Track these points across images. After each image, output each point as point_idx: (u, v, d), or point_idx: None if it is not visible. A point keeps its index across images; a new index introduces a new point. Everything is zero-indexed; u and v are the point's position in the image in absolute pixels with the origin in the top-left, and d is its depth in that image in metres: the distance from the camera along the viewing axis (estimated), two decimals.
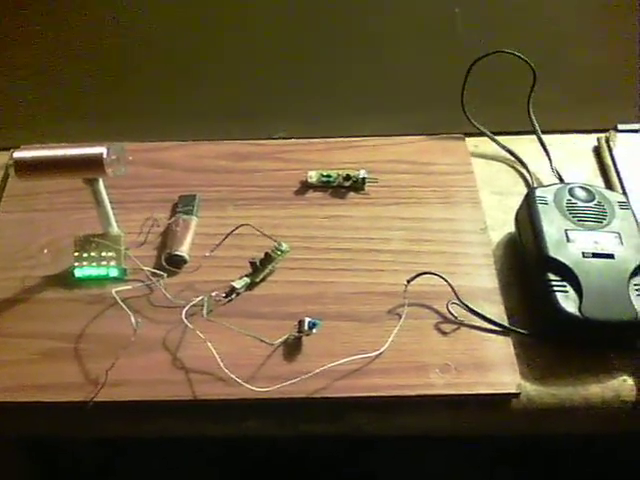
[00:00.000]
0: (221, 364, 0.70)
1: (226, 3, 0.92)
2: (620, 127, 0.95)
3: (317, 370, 0.71)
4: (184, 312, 0.74)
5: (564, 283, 0.74)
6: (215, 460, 0.96)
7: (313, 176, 0.90)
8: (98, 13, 0.90)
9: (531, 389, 0.72)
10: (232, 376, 0.70)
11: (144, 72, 0.96)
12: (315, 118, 0.98)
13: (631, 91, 0.96)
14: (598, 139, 0.97)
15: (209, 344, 0.71)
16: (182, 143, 0.96)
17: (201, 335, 0.72)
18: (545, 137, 0.94)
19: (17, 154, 0.72)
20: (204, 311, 0.74)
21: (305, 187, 0.90)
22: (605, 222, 0.79)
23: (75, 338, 0.76)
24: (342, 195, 0.89)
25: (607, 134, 0.96)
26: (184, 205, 0.86)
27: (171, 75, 0.96)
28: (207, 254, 0.81)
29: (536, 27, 0.94)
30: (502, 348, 0.74)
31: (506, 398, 0.72)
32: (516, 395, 0.71)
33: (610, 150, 0.94)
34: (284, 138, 0.97)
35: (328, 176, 0.90)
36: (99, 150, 0.73)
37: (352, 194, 0.90)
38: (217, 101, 0.97)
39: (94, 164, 0.73)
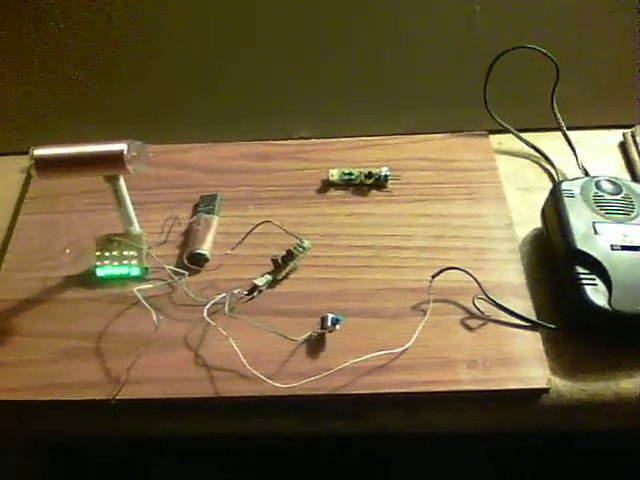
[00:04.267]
0: (244, 361, 0.69)
1: (244, 3, 0.91)
2: None
3: (341, 367, 0.69)
4: (206, 309, 0.73)
5: (593, 276, 0.72)
6: (231, 462, 0.94)
7: (334, 174, 0.89)
8: (116, 13, 0.90)
9: (560, 385, 0.71)
10: (255, 373, 0.69)
11: (162, 74, 0.96)
12: (335, 118, 0.97)
13: None
14: (624, 134, 0.95)
15: (231, 341, 0.70)
16: (202, 144, 0.95)
17: (223, 332, 0.71)
18: (569, 133, 0.92)
19: (37, 151, 0.72)
20: (226, 308, 0.73)
21: (326, 185, 0.89)
22: (633, 214, 0.77)
23: (96, 337, 0.75)
24: (364, 193, 0.88)
25: (633, 129, 0.94)
26: (205, 204, 0.86)
27: (190, 76, 0.95)
28: (229, 252, 0.80)
29: (558, 21, 0.92)
30: (530, 343, 0.72)
31: (535, 394, 0.70)
32: (546, 390, 0.69)
33: (636, 145, 0.91)
34: (304, 138, 0.95)
35: (350, 174, 0.89)
36: (120, 147, 0.72)
37: (374, 192, 0.88)
38: (236, 102, 0.96)
39: (115, 161, 0.72)
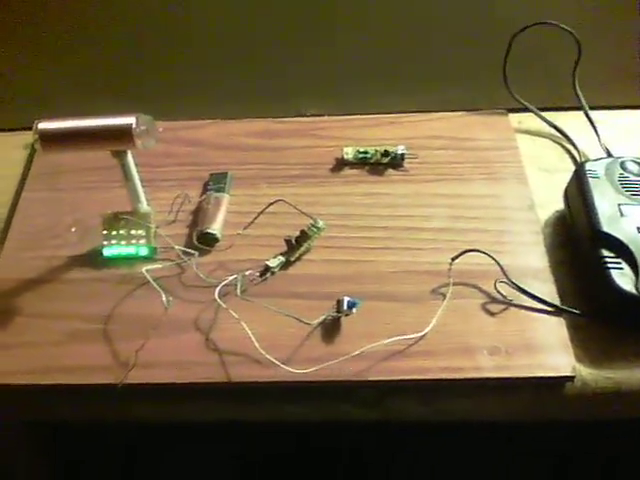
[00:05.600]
0: (257, 345, 0.66)
1: None
2: None
3: (357, 352, 0.67)
4: (217, 291, 0.70)
5: (619, 260, 0.70)
6: (241, 450, 0.92)
7: (349, 152, 0.86)
8: None
9: (585, 372, 0.68)
10: (269, 357, 0.66)
11: (173, 51, 0.93)
12: (349, 95, 0.94)
13: None
14: None
15: (243, 324, 0.67)
16: (212, 121, 0.92)
17: (235, 315, 0.68)
18: (591, 113, 0.89)
19: (42, 125, 0.69)
20: (238, 290, 0.70)
21: (341, 164, 0.86)
22: None
23: (103, 319, 0.72)
24: (380, 172, 0.85)
25: None
26: (215, 183, 0.83)
27: (199, 53, 0.92)
28: (240, 232, 0.77)
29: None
30: (555, 329, 0.70)
31: (560, 382, 0.67)
32: (571, 378, 0.67)
33: None
34: (316, 115, 0.92)
35: (365, 152, 0.86)
36: (128, 120, 0.69)
37: (390, 171, 0.86)
38: (247, 79, 0.93)
39: (123, 135, 0.70)
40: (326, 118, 0.92)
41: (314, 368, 0.66)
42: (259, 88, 0.93)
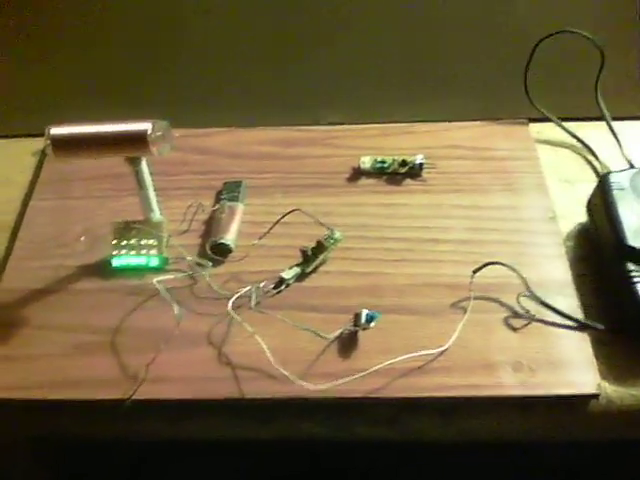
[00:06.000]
0: (271, 359, 0.64)
1: None
2: None
3: (375, 367, 0.64)
4: (230, 303, 0.68)
5: None
6: (247, 467, 0.90)
7: (366, 162, 0.84)
8: None
9: (610, 390, 0.66)
10: (284, 373, 0.64)
11: (186, 57, 0.91)
12: (366, 104, 0.92)
13: None
14: None
15: (258, 338, 0.65)
16: (226, 129, 0.90)
17: (249, 328, 0.66)
18: (614, 123, 0.86)
19: (54, 130, 0.67)
20: (252, 302, 0.68)
21: (358, 174, 0.84)
22: None
23: (112, 331, 0.70)
24: (398, 182, 0.83)
25: None
26: (229, 192, 0.81)
27: (215, 60, 0.91)
28: (255, 242, 0.75)
29: (603, 5, 0.87)
30: (579, 345, 0.68)
31: (585, 400, 0.65)
32: (596, 396, 0.64)
33: None
34: (333, 124, 0.90)
35: (382, 162, 0.84)
36: (144, 126, 0.67)
37: (408, 181, 0.84)
38: (263, 86, 0.92)
39: (138, 141, 0.68)
40: (343, 127, 0.90)
41: (330, 384, 0.63)
42: (275, 96, 0.92)
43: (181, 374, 0.67)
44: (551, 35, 0.84)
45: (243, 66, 0.91)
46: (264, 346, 0.65)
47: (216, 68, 0.91)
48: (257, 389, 0.65)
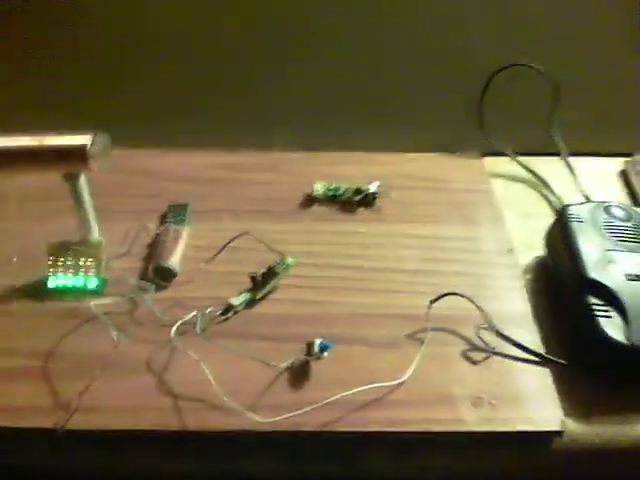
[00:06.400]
0: (217, 390, 0.59)
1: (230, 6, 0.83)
2: None
3: (328, 400, 0.60)
4: (174, 329, 0.63)
5: (607, 308, 0.65)
6: None
7: (319, 189, 0.81)
8: (94, 13, 0.81)
9: (573, 427, 0.63)
10: (230, 404, 0.59)
11: (135, 74, 0.87)
12: (321, 131, 0.89)
13: None
14: (626, 162, 0.90)
15: (203, 366, 0.60)
16: (174, 151, 0.86)
17: (194, 356, 0.61)
18: (569, 158, 0.86)
19: None
20: (197, 328, 0.63)
21: (310, 201, 0.82)
22: None
23: (45, 356, 0.65)
24: (351, 210, 0.81)
25: (636, 157, 0.89)
26: (175, 215, 0.78)
27: (165, 77, 0.87)
28: (201, 266, 0.71)
29: (559, 40, 0.87)
30: (541, 380, 0.65)
31: (547, 437, 0.62)
32: (559, 433, 0.61)
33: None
34: (287, 150, 0.87)
35: (336, 189, 0.81)
36: (82, 140, 0.63)
37: (362, 210, 0.81)
38: (215, 108, 0.89)
39: (76, 156, 0.64)
40: (295, 153, 0.87)
41: (280, 417, 0.59)
42: (228, 118, 0.88)
43: (117, 403, 0.61)
44: (505, 68, 0.84)
45: (195, 86, 0.87)
46: (209, 375, 0.60)
47: (167, 87, 0.87)
48: (201, 421, 0.60)
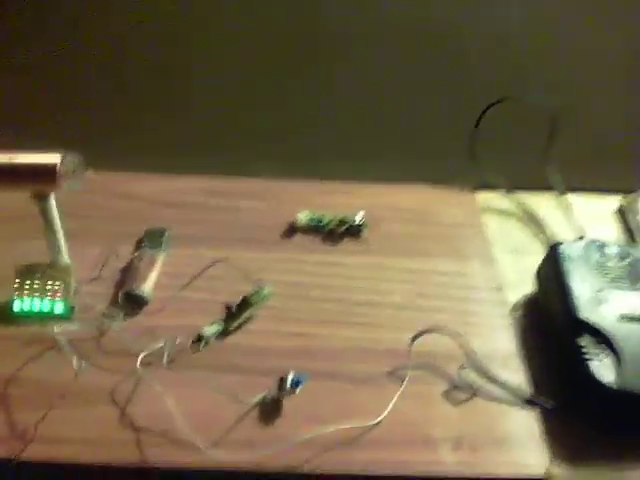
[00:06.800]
0: (180, 424, 0.56)
1: (209, 32, 0.81)
2: None
3: (299, 439, 0.57)
4: (140, 359, 0.59)
5: (598, 350, 0.63)
6: None
7: (303, 218, 0.78)
8: (63, 33, 0.79)
9: (560, 473, 0.59)
10: (193, 440, 0.56)
11: (113, 96, 0.84)
12: (307, 160, 0.86)
13: None
14: (623, 199, 0.87)
15: (168, 399, 0.57)
16: (155, 175, 0.84)
17: (159, 388, 0.57)
18: (564, 196, 0.83)
19: None
20: (164, 359, 0.60)
21: (293, 230, 0.79)
22: None
23: (4, 382, 0.62)
24: (336, 241, 0.78)
25: (634, 194, 0.86)
26: (150, 240, 0.75)
27: (151, 99, 0.84)
28: (175, 294, 0.67)
29: (558, 73, 0.84)
30: (526, 423, 0.62)
31: None
32: None
33: (638, 212, 0.84)
34: (271, 178, 0.84)
35: (320, 219, 0.78)
36: (53, 158, 0.60)
37: (347, 241, 0.79)
38: (199, 134, 0.86)
39: (46, 175, 0.61)
40: (281, 181, 0.84)
41: (247, 456, 0.56)
42: (213, 143, 0.85)
43: (76, 435, 0.58)
44: (501, 100, 0.80)
45: (178, 110, 0.85)
46: (174, 409, 0.57)
47: (149, 106, 0.85)
48: (162, 456, 0.57)
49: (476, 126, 0.83)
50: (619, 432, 0.62)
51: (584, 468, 0.60)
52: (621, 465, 0.61)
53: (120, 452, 0.57)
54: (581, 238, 0.77)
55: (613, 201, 0.88)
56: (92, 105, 0.84)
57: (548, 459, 0.60)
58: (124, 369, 0.62)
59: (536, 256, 0.74)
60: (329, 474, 0.57)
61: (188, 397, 0.60)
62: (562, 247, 0.72)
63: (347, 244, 0.78)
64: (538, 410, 0.63)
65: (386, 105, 0.85)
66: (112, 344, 0.65)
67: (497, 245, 0.81)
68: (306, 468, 0.57)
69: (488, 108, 0.82)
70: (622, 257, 0.71)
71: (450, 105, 0.85)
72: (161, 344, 0.63)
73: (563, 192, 0.84)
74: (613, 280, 0.69)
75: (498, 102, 0.81)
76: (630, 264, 0.71)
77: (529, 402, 0.63)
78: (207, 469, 0.56)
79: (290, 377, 0.61)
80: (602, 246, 0.72)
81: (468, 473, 0.58)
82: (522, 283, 0.75)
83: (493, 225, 0.84)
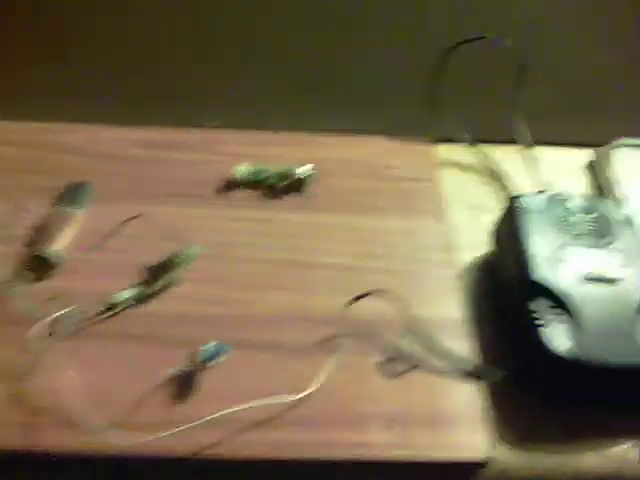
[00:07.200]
0: (77, 403, 0.50)
1: None
2: (624, 142, 0.80)
3: (210, 417, 0.52)
4: (35, 328, 0.54)
5: (554, 315, 0.58)
6: None
7: (241, 171, 0.72)
8: None
9: (506, 455, 0.55)
10: (90, 420, 0.50)
11: (49, 39, 0.76)
12: (255, 111, 0.79)
13: (635, 101, 0.80)
14: (595, 153, 0.81)
15: (65, 373, 0.51)
16: (85, 125, 0.77)
17: (56, 361, 0.51)
18: (530, 148, 0.78)
19: None
20: (67, 328, 0.54)
21: (230, 185, 0.73)
22: (607, 240, 0.63)
23: None
24: (277, 196, 0.72)
25: (605, 148, 0.80)
26: (69, 195, 0.69)
27: (85, 45, 0.76)
28: (88, 255, 0.61)
29: (530, 15, 0.76)
30: (469, 398, 0.57)
31: (472, 468, 0.54)
32: (483, 465, 0.53)
33: (608, 166, 0.78)
34: (217, 128, 0.78)
35: (259, 172, 0.71)
36: None
37: (289, 197, 0.73)
38: (139, 84, 0.78)
39: None
40: (222, 131, 0.78)
41: (149, 437, 0.50)
42: (151, 93, 0.78)
43: None
44: (466, 41, 0.74)
45: (117, 58, 0.77)
46: (71, 385, 0.51)
47: (93, 56, 0.77)
48: (52, 440, 0.52)
49: (438, 70, 0.76)
50: (573, 408, 0.57)
51: (532, 450, 0.56)
52: (574, 446, 0.56)
53: (6, 435, 0.52)
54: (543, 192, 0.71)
55: (583, 155, 0.82)
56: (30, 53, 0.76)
57: (491, 439, 0.55)
58: (18, 340, 0.56)
59: (497, 214, 0.68)
60: (243, 458, 0.51)
61: (93, 371, 0.55)
62: (520, 201, 0.66)
63: (288, 200, 0.72)
64: (483, 384, 0.58)
65: (336, 49, 0.78)
66: (10, 311, 0.59)
67: (455, 202, 0.75)
68: (214, 452, 0.51)
69: (452, 49, 0.75)
70: (587, 211, 0.66)
71: (407, 48, 0.78)
72: (65, 310, 0.56)
73: (530, 145, 0.77)
74: (576, 237, 0.63)
75: (464, 42, 0.74)
76: (596, 219, 0.65)
77: (472, 375, 0.58)
78: (102, 455, 0.51)
79: (206, 348, 0.55)
80: (565, 199, 0.67)
81: (398, 456, 0.52)
82: (480, 243, 0.69)
83: (453, 180, 0.77)
